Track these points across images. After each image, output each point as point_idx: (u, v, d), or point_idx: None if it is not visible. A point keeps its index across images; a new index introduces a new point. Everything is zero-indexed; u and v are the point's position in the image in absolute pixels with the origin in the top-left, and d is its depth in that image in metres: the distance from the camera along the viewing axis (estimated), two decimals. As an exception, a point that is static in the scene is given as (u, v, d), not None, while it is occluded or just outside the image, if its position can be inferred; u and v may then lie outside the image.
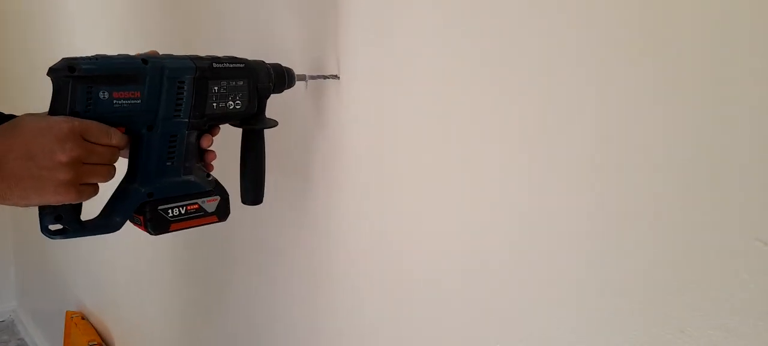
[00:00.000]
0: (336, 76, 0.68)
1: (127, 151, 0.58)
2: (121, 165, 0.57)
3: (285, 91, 0.67)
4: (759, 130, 0.36)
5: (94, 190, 0.51)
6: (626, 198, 0.43)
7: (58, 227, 0.53)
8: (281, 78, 0.65)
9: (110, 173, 0.53)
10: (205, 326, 1.13)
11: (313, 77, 0.68)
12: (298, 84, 0.68)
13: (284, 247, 0.84)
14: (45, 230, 0.53)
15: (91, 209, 0.56)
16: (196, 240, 1.12)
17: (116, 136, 0.52)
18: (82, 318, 1.82)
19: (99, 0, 1.34)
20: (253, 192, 0.67)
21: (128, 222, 0.58)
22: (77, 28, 1.48)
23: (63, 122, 0.49)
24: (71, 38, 1.51)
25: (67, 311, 1.89)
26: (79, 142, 0.49)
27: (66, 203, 0.50)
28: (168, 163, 0.58)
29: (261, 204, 0.68)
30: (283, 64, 0.66)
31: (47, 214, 0.51)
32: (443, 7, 0.55)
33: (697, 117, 0.38)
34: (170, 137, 0.57)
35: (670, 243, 0.41)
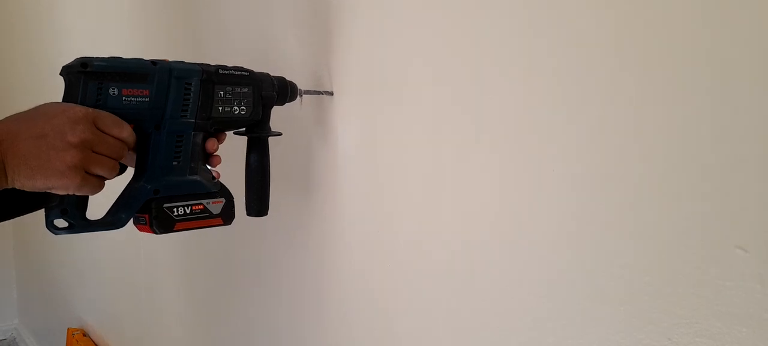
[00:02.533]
0: (330, 93, 0.70)
1: (132, 158, 0.58)
2: (122, 177, 0.58)
3: (286, 104, 0.68)
4: (742, 140, 0.36)
5: (99, 184, 0.52)
6: (610, 206, 0.43)
7: (64, 223, 0.53)
8: (284, 89, 0.67)
9: (115, 169, 0.53)
10: (209, 339, 1.12)
11: (308, 92, 0.70)
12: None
13: (285, 259, 0.84)
14: (50, 226, 0.53)
15: (95, 215, 0.57)
16: (196, 255, 1.12)
17: (127, 130, 0.53)
18: (84, 335, 1.81)
19: (105, 17, 1.37)
20: (257, 203, 0.68)
21: (134, 228, 0.59)
22: (82, 45, 1.51)
23: (78, 107, 0.50)
24: (77, 53, 1.53)
25: (68, 328, 1.88)
26: (91, 128, 0.50)
27: (70, 192, 0.50)
28: (174, 163, 0.58)
29: (266, 216, 0.68)
30: (287, 78, 0.68)
31: (53, 208, 0.52)
32: (433, 26, 0.56)
33: (685, 123, 0.39)
34: (177, 137, 0.58)
35: (654, 251, 0.41)
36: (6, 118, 0.50)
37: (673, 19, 0.39)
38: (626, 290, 0.43)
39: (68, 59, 0.53)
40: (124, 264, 1.45)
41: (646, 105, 0.41)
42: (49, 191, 0.50)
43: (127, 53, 0.56)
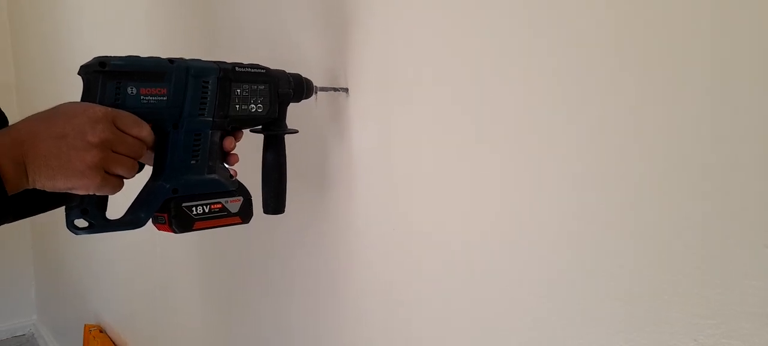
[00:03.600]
0: (345, 90, 0.69)
1: (151, 157, 0.58)
2: (142, 176, 0.58)
3: (301, 101, 0.68)
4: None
5: (118, 183, 0.51)
6: (636, 204, 0.42)
7: (84, 223, 0.53)
8: (300, 87, 0.66)
9: (134, 168, 0.53)
10: (223, 337, 1.12)
11: (323, 89, 0.69)
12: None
13: (299, 257, 0.84)
14: (71, 226, 0.53)
15: (112, 214, 0.57)
16: (212, 252, 1.12)
17: (146, 129, 0.53)
18: (100, 331, 1.83)
19: (122, 16, 1.37)
20: (274, 200, 0.67)
21: (150, 226, 0.58)
22: (97, 44, 1.52)
23: (98, 107, 0.50)
24: (91, 53, 1.55)
25: (85, 325, 1.90)
26: (111, 128, 0.50)
27: (90, 192, 0.50)
28: (192, 162, 0.58)
29: (283, 214, 0.68)
30: (303, 75, 0.68)
31: (74, 208, 0.52)
32: (447, 24, 0.56)
33: (708, 120, 0.38)
34: (195, 135, 0.58)
35: (681, 251, 0.40)
36: (26, 118, 0.50)
37: (674, 19, 0.38)
38: (652, 290, 0.42)
39: (83, 58, 0.53)
40: (140, 262, 1.46)
41: (648, 104, 0.40)
42: (69, 191, 0.50)
43: (143, 52, 0.55)
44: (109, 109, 0.51)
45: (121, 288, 1.67)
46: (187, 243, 1.20)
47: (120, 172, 0.51)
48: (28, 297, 2.63)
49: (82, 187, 0.49)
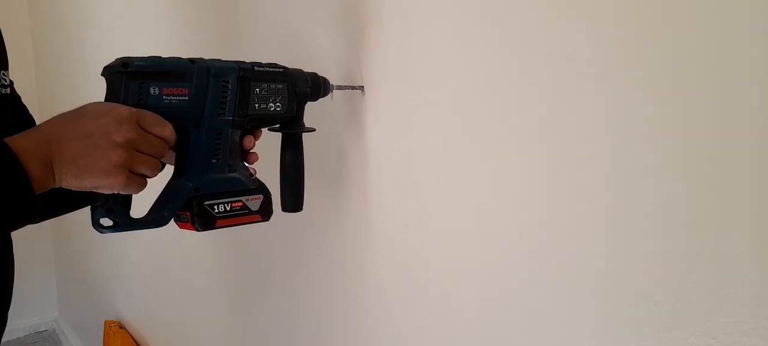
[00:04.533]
0: (361, 88, 0.69)
1: (172, 157, 0.59)
2: (161, 175, 0.59)
3: (318, 100, 0.68)
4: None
5: (142, 182, 0.52)
6: (652, 201, 0.42)
7: (109, 222, 0.54)
8: (317, 85, 0.67)
9: (157, 168, 0.54)
10: (243, 333, 1.14)
11: (340, 88, 0.70)
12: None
13: (317, 255, 0.84)
14: (96, 225, 0.54)
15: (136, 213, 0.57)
16: (230, 251, 1.13)
17: (168, 129, 0.54)
18: (120, 327, 1.86)
19: (141, 17, 1.39)
20: (292, 199, 0.68)
21: (173, 225, 0.59)
22: (116, 45, 1.54)
23: (122, 107, 0.51)
24: (109, 54, 1.57)
25: (105, 321, 1.93)
26: (135, 127, 0.50)
27: (115, 192, 0.51)
28: (213, 160, 0.59)
29: (301, 212, 0.69)
30: (319, 74, 0.68)
31: (99, 207, 0.53)
32: (463, 23, 0.56)
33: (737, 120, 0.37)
34: (216, 134, 0.59)
35: (699, 247, 0.40)
36: (51, 119, 0.51)
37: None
38: (669, 287, 0.42)
39: (102, 60, 0.54)
40: (160, 259, 1.48)
41: (678, 104, 0.39)
42: (95, 190, 0.51)
43: (161, 53, 0.56)
44: (134, 109, 0.51)
45: (141, 285, 1.69)
46: (206, 241, 1.21)
47: (144, 171, 0.52)
48: (50, 294, 2.68)
49: (108, 186, 0.50)
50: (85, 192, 0.52)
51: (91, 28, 1.76)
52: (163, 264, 1.46)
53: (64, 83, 2.12)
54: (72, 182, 0.49)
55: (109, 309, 1.98)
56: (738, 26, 0.36)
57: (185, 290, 1.38)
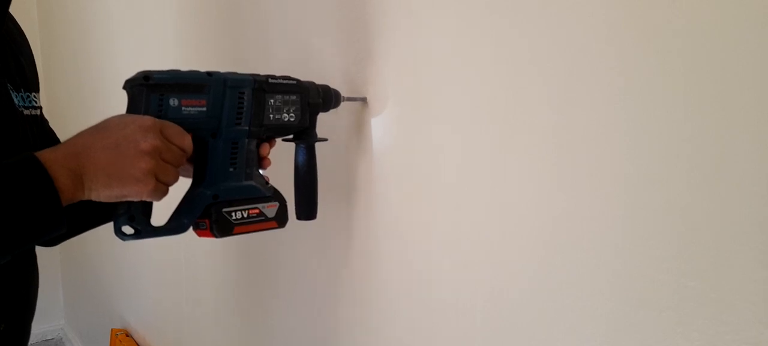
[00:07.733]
0: (364, 99, 0.71)
1: (188, 169, 0.61)
2: (178, 187, 0.60)
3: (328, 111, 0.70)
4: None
5: (165, 190, 0.54)
6: (653, 211, 0.43)
7: (131, 230, 0.55)
8: (329, 97, 0.69)
9: (177, 176, 0.55)
10: (250, 342, 1.14)
11: (349, 99, 0.72)
12: None
13: (324, 264, 0.85)
14: (118, 233, 0.55)
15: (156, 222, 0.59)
16: (237, 259, 1.14)
17: (188, 139, 0.55)
18: (127, 335, 1.87)
19: (152, 32, 1.41)
20: (307, 207, 0.70)
21: (193, 233, 0.61)
22: (129, 60, 1.56)
23: (146, 117, 0.53)
24: (121, 68, 1.59)
25: (112, 329, 1.94)
26: (159, 136, 0.52)
27: (142, 199, 0.52)
28: (231, 169, 0.60)
29: (315, 219, 0.70)
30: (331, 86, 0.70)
31: (121, 216, 0.54)
32: (467, 34, 0.57)
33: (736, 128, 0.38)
34: (232, 144, 0.60)
35: (699, 257, 0.41)
36: (77, 133, 0.53)
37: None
38: (670, 296, 0.43)
39: (118, 74, 0.55)
40: (166, 267, 1.49)
41: (694, 112, 0.40)
42: (122, 198, 0.52)
43: (172, 66, 0.58)
44: (157, 119, 0.53)
45: (148, 293, 1.70)
46: (213, 248, 1.23)
47: (166, 179, 0.53)
48: (57, 302, 2.69)
49: (136, 193, 0.51)
50: (109, 207, 0.53)
51: (102, 49, 1.77)
52: (170, 272, 1.47)
53: (73, 105, 2.12)
54: (102, 192, 0.50)
55: (115, 317, 1.99)
56: (752, 31, 0.38)
57: (191, 298, 1.39)
